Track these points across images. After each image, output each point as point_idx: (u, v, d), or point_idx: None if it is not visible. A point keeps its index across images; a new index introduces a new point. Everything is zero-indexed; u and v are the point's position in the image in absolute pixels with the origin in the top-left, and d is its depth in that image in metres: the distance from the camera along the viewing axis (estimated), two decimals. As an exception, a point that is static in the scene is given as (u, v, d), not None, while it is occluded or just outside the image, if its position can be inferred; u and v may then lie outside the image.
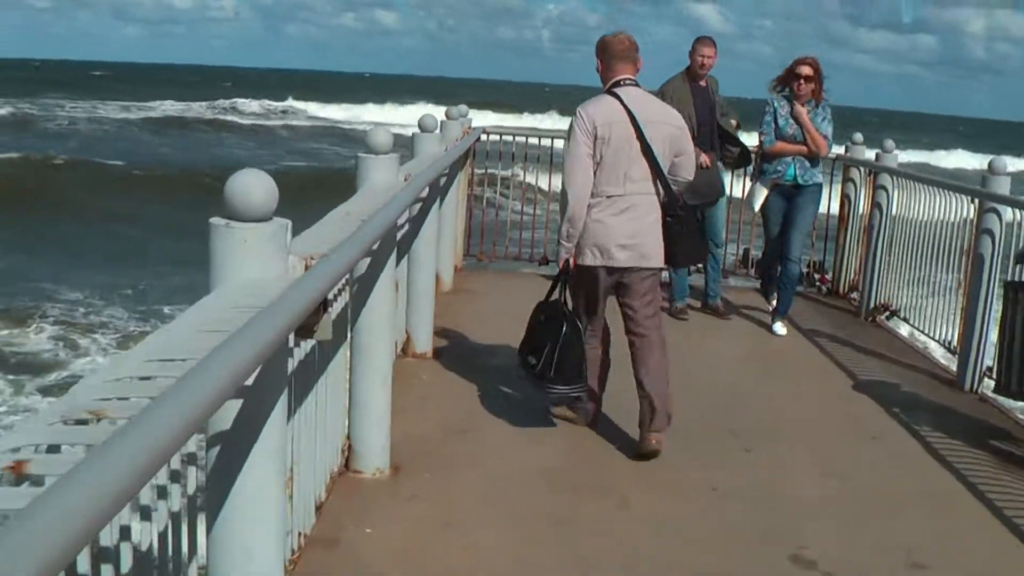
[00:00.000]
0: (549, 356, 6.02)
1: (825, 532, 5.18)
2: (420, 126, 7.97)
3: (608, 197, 5.88)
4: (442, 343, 8.00)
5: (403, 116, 59.70)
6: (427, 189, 7.05)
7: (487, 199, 11.72)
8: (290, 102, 71.59)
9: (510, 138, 11.52)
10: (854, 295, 10.81)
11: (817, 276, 11.50)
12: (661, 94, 8.35)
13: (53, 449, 2.02)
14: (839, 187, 11.28)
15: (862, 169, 10.80)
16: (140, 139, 44.75)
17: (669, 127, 6.00)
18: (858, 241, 10.89)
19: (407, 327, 7.65)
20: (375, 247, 4.83)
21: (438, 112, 10.17)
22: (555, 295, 6.21)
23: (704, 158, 8.69)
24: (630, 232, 5.91)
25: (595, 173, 5.86)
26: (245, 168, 2.95)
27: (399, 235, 6.45)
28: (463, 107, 10.97)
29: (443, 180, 8.68)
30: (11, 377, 13.55)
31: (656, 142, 5.89)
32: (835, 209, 11.32)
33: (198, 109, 63.21)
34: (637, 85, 6.05)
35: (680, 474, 5.87)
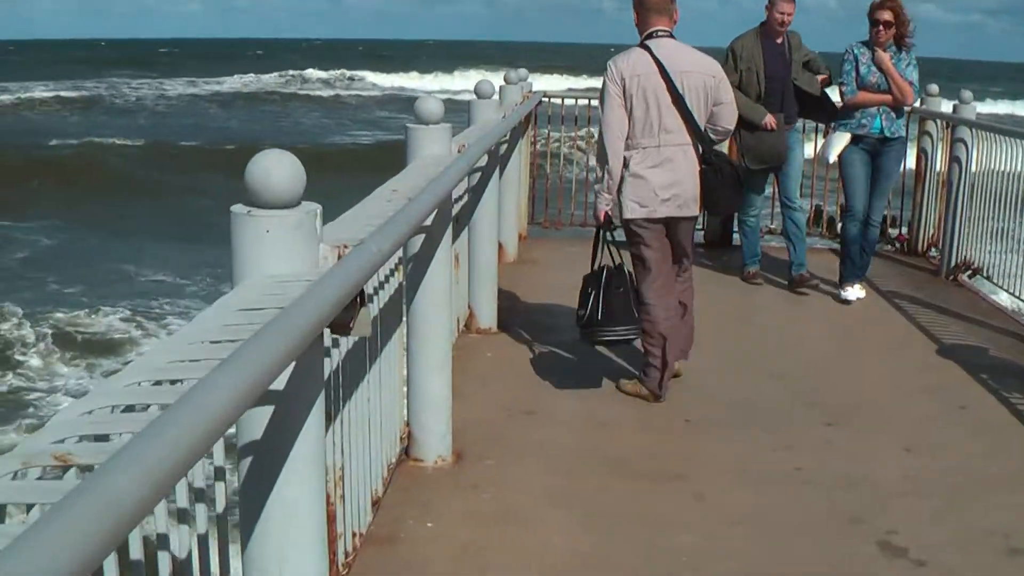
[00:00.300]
0: (595, 301, 6.06)
1: (914, 515, 4.82)
2: (476, 92, 7.67)
3: (643, 149, 5.94)
4: (507, 317, 7.71)
5: (468, 83, 59.58)
6: (485, 158, 6.77)
7: (551, 165, 11.38)
8: (356, 71, 71.53)
9: (572, 101, 11.18)
10: (933, 253, 10.39)
11: (894, 233, 11.06)
12: (730, 50, 8.22)
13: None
14: (914, 141, 10.82)
15: (939, 122, 10.33)
16: (209, 114, 44.83)
17: (702, 76, 5.99)
18: (936, 197, 10.45)
19: (469, 302, 7.39)
20: (428, 222, 4.55)
21: (499, 79, 9.92)
22: (600, 253, 6.24)
23: (769, 119, 8.48)
24: (668, 182, 5.96)
25: (629, 126, 5.92)
26: (269, 149, 2.67)
27: (457, 208, 6.20)
28: (522, 71, 10.65)
29: (503, 147, 8.41)
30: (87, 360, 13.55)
31: (689, 91, 5.93)
32: (911, 164, 10.89)
33: (266, 81, 63.53)
34: (671, 36, 6.04)
35: (757, 458, 5.51)
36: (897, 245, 10.93)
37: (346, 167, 24.03)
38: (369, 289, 3.90)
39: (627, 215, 6.02)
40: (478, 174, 7.03)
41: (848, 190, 8.80)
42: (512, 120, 8.06)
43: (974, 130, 9.53)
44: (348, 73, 70.91)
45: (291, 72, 69.46)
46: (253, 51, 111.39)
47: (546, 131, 11.27)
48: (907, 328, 8.08)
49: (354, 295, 2.53)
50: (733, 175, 6.24)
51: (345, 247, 2.70)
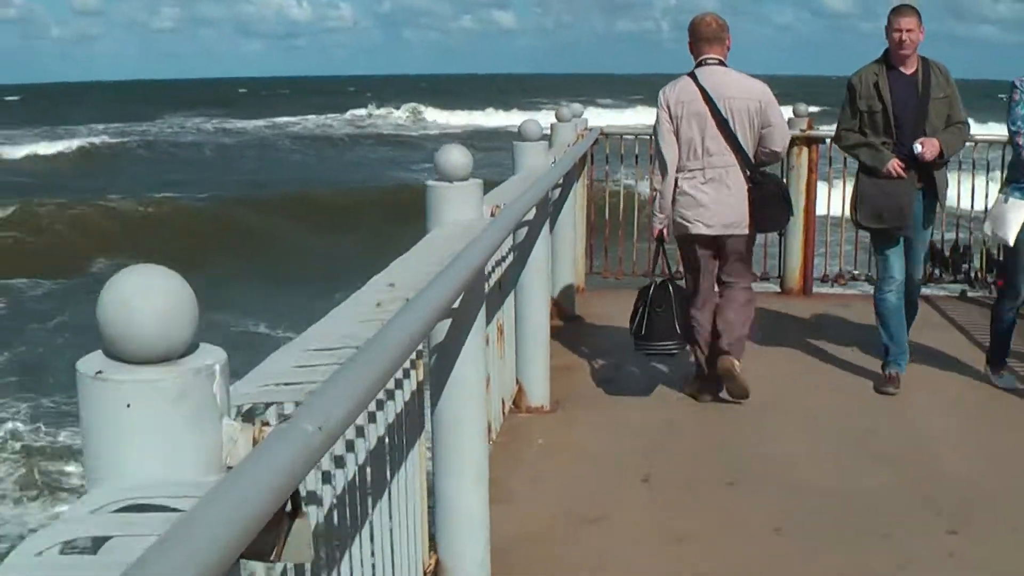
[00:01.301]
0: (640, 317, 6.56)
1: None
2: (521, 133, 6.70)
3: (691, 171, 6.39)
4: (563, 391, 6.72)
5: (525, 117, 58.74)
6: (533, 211, 5.79)
7: (609, 208, 10.35)
8: (422, 108, 71.12)
9: (632, 137, 10.14)
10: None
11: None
12: (847, 88, 6.79)
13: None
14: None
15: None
16: (301, 160, 44.16)
17: (747, 100, 6.36)
18: None
19: (518, 376, 6.40)
20: (456, 304, 3.52)
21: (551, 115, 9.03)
22: (658, 266, 6.96)
23: (894, 163, 6.57)
24: (713, 201, 6.35)
25: (679, 149, 6.38)
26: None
27: (499, 272, 5.28)
28: (576, 106, 9.71)
29: (556, 193, 7.45)
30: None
31: (734, 115, 6.32)
32: None
33: (334, 122, 63.75)
34: (722, 63, 6.44)
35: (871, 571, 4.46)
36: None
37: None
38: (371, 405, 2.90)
39: (676, 232, 6.55)
40: (525, 228, 6.07)
41: (1013, 270, 6.90)
42: (564, 166, 7.08)
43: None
44: (418, 108, 70.71)
45: (360, 112, 69.66)
46: (318, 88, 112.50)
47: (604, 171, 10.22)
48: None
49: (281, 502, 1.52)
50: (778, 194, 6.58)
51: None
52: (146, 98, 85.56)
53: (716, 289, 6.71)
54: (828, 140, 9.14)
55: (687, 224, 6.42)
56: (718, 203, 6.34)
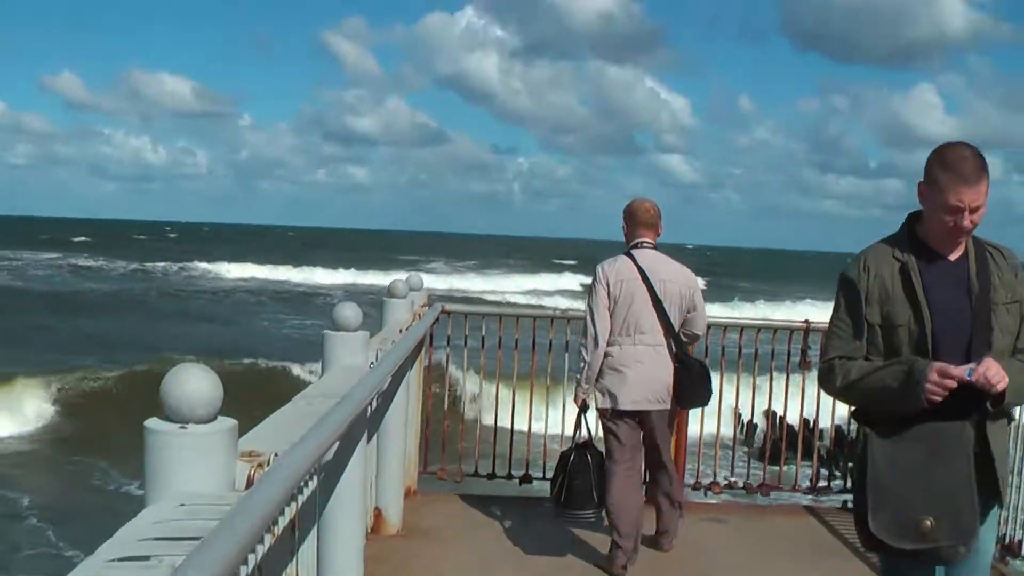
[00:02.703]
0: (561, 483, 6.84)
1: None
2: (336, 322, 5.13)
3: (621, 346, 6.57)
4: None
5: (375, 279, 57.49)
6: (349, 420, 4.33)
7: (450, 397, 8.88)
8: (248, 266, 68.53)
9: (479, 317, 8.74)
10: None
11: None
12: (845, 283, 4.00)
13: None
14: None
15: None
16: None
17: (679, 285, 6.69)
18: None
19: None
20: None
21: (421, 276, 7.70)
22: (579, 432, 6.95)
23: (937, 381, 3.69)
24: (639, 378, 6.55)
25: (611, 324, 6.57)
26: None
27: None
28: (415, 278, 8.30)
29: (383, 389, 6.04)
30: None
31: (667, 297, 6.59)
32: None
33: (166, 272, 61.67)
34: (654, 247, 6.76)
35: None
36: None
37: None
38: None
39: (600, 405, 6.64)
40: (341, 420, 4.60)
41: None
42: (387, 364, 5.47)
43: None
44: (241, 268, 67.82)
45: (198, 264, 66.97)
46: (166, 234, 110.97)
47: (446, 353, 8.77)
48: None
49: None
50: (703, 374, 6.74)
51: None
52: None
53: (643, 469, 6.99)
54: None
55: (615, 398, 6.55)
56: (646, 379, 6.55)
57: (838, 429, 8.87)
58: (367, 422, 4.82)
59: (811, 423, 9.18)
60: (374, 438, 6.26)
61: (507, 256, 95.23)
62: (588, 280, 7.05)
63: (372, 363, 5.19)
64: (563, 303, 51.33)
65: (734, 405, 8.71)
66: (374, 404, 5.62)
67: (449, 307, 8.53)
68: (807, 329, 8.44)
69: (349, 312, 5.08)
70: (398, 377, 6.86)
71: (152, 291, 49.11)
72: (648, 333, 6.55)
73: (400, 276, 8.00)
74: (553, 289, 63.41)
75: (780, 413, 8.85)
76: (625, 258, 6.67)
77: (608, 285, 6.55)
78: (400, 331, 6.71)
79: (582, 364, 6.66)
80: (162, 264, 66.26)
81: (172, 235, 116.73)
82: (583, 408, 6.79)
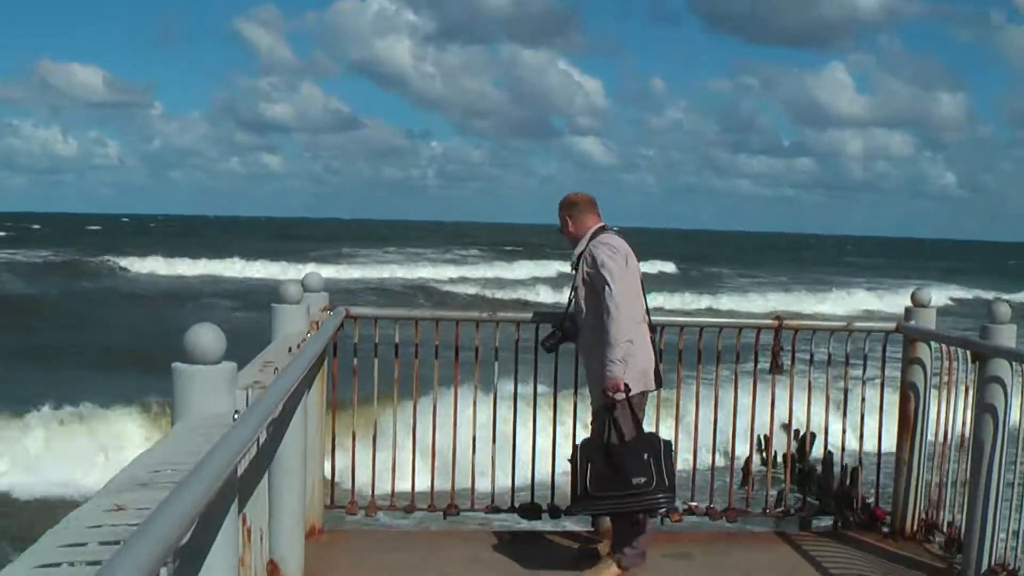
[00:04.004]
0: (660, 466, 6.14)
1: None
2: (189, 351, 3.70)
3: (638, 324, 6.23)
4: None
5: (271, 270, 55.29)
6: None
7: (358, 417, 7.52)
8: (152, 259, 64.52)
9: (391, 321, 7.37)
10: (937, 540, 6.97)
11: (865, 506, 7.55)
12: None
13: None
14: (898, 370, 7.42)
15: (953, 349, 6.87)
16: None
17: None
18: (928, 457, 7.18)
19: None
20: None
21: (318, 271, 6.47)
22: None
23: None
24: (650, 357, 6.35)
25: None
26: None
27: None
28: (312, 277, 6.97)
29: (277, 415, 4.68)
30: None
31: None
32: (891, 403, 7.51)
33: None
34: None
35: None
36: (881, 527, 7.40)
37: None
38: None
39: (632, 387, 6.15)
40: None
41: None
42: (267, 407, 4.03)
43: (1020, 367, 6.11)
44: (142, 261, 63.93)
45: (107, 259, 63.39)
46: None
47: (352, 365, 7.38)
48: None
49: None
50: None
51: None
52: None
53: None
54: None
55: (646, 378, 6.32)
56: (652, 358, 6.38)
57: (802, 438, 7.73)
58: (235, 488, 3.42)
59: (787, 436, 7.95)
60: (264, 476, 4.92)
61: (422, 242, 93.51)
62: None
63: (237, 414, 3.66)
64: (530, 294, 49.90)
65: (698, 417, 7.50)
66: (262, 436, 4.28)
67: (355, 310, 7.15)
68: (779, 327, 7.24)
69: (206, 338, 3.57)
70: (295, 400, 5.55)
71: (69, 288, 46.57)
72: (645, 313, 6.38)
73: (330, 268, 6.72)
74: (490, 277, 61.30)
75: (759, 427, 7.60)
76: (616, 234, 6.41)
77: (626, 259, 6.23)
78: (291, 349, 5.30)
79: (613, 342, 6.03)
80: (79, 258, 63.11)
81: (95, 227, 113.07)
82: (628, 389, 6.13)
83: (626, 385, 6.11)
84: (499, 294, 49.96)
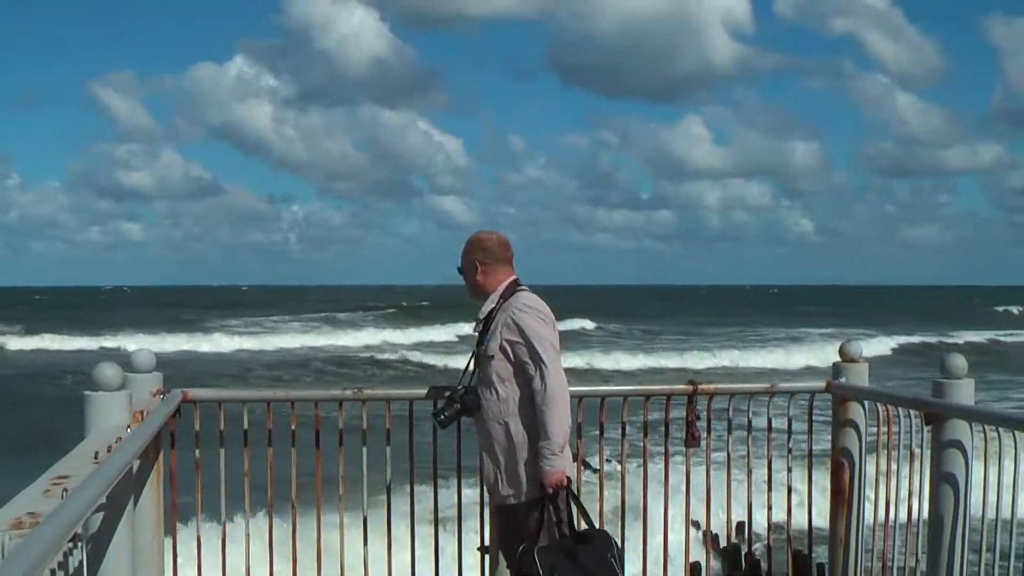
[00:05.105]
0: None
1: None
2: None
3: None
4: None
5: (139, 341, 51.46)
6: None
7: (201, 511, 6.31)
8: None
9: (239, 405, 6.21)
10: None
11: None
12: None
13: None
14: (826, 435, 6.51)
15: (897, 409, 5.94)
16: None
17: None
18: (869, 533, 6.27)
19: None
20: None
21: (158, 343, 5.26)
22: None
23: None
24: None
25: None
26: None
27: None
28: (141, 355, 5.78)
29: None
30: None
31: None
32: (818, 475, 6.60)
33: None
34: None
35: None
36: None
37: None
38: None
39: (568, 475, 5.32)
40: None
41: None
42: (66, 519, 2.91)
43: (981, 428, 5.22)
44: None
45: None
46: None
47: (194, 458, 6.16)
48: None
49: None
50: None
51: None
52: None
53: None
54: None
55: (571, 466, 5.46)
56: None
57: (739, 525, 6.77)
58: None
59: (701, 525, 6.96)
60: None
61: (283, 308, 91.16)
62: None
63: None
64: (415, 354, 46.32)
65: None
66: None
67: (193, 393, 5.96)
68: (693, 392, 6.27)
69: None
70: (116, 513, 4.39)
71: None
72: None
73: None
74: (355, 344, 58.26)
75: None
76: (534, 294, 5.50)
77: (555, 328, 5.41)
78: (97, 454, 4.04)
79: (552, 434, 5.16)
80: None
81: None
82: (569, 486, 5.33)
83: (568, 478, 5.29)
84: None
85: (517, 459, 5.29)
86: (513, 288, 5.47)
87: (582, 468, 6.09)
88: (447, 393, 5.63)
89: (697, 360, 45.42)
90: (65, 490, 3.24)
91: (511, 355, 5.28)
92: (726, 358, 46.50)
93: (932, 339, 55.70)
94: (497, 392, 5.34)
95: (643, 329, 68.98)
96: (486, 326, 5.46)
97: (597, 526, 5.55)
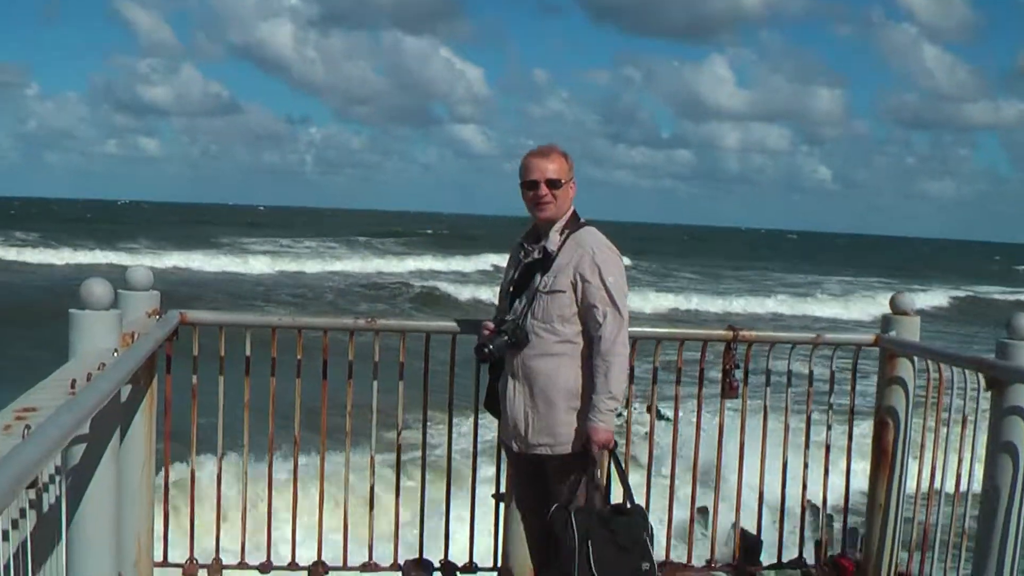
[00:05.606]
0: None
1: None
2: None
3: None
4: None
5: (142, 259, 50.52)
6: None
7: (196, 445, 5.93)
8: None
9: (242, 330, 5.80)
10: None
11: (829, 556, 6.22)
12: None
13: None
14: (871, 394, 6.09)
15: (954, 369, 5.49)
16: None
17: None
18: (909, 500, 5.94)
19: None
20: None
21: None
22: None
23: None
24: None
25: None
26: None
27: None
28: (137, 272, 5.35)
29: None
30: None
31: None
32: (863, 434, 6.21)
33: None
34: None
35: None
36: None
37: None
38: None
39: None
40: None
41: None
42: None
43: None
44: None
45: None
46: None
47: (192, 383, 5.77)
48: None
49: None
50: None
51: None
52: None
53: None
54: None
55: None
56: None
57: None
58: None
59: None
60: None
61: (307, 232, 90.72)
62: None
63: None
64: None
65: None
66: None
67: (192, 315, 5.54)
68: (733, 338, 5.84)
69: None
70: (100, 443, 4.00)
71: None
72: None
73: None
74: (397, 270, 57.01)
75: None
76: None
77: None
78: (75, 382, 3.58)
79: (612, 390, 4.79)
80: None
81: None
82: (613, 452, 4.96)
83: (615, 441, 4.93)
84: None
85: (559, 407, 4.85)
86: (577, 220, 4.98)
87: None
88: (490, 326, 5.08)
89: (722, 305, 44.49)
90: (27, 426, 2.81)
91: (580, 294, 4.81)
92: (756, 305, 45.49)
93: (960, 294, 54.68)
94: (556, 330, 4.86)
95: (666, 269, 67.80)
96: (545, 256, 4.92)
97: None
